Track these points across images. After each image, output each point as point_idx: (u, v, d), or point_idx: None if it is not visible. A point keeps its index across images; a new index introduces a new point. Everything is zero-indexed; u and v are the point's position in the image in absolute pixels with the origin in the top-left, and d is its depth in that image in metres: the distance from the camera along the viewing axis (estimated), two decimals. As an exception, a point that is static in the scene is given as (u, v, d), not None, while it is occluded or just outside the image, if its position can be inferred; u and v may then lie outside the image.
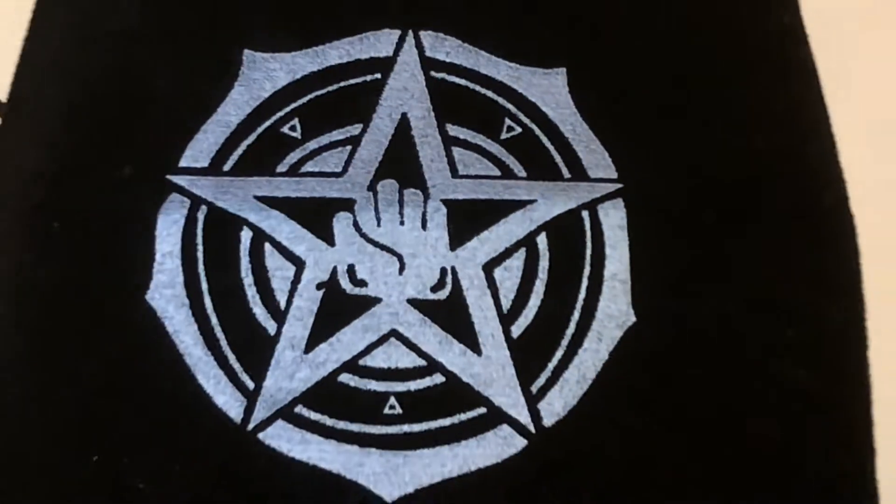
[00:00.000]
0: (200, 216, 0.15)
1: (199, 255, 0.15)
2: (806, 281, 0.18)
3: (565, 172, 0.15)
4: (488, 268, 0.15)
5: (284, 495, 0.14)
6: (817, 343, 0.18)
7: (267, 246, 0.15)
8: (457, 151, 0.16)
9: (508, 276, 0.15)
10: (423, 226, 0.15)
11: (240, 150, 0.15)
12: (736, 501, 0.16)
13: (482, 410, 0.14)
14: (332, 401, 0.14)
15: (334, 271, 0.15)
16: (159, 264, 0.14)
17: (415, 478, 0.14)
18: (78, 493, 0.15)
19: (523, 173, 0.15)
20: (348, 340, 0.15)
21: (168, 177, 0.14)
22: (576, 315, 0.15)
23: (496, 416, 0.14)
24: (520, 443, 0.14)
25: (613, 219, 0.15)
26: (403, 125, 0.16)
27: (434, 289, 0.15)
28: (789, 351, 0.18)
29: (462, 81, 0.15)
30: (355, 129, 0.16)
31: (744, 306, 0.16)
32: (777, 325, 0.17)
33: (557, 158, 0.15)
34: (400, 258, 0.15)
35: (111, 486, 0.14)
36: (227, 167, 0.15)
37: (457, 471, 0.14)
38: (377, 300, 0.15)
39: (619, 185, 0.15)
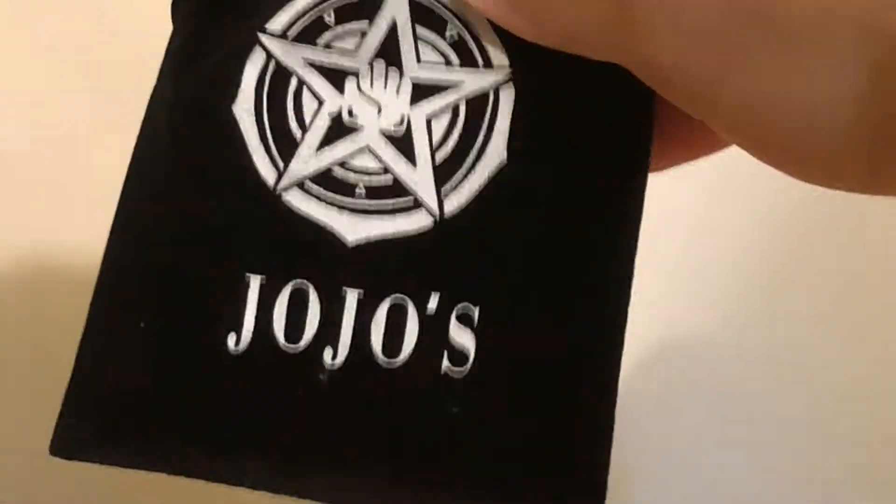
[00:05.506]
0: (270, 65, 0.24)
1: (265, 88, 0.23)
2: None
3: (481, 65, 0.23)
4: (428, 119, 0.24)
5: (288, 226, 0.23)
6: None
7: (304, 88, 0.24)
8: (421, 45, 0.24)
9: (439, 126, 0.23)
10: (397, 91, 0.24)
11: (298, 27, 0.24)
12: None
13: (411, 200, 0.23)
14: (326, 182, 0.22)
15: (340, 108, 0.24)
16: (241, 91, 0.23)
17: (366, 233, 0.22)
18: (184, 227, 0.22)
19: (457, 62, 0.24)
20: (341, 148, 0.23)
21: (258, 33, 0.22)
22: (474, 152, 0.23)
23: (418, 204, 0.23)
24: (429, 220, 0.22)
25: (507, 96, 0.23)
26: (392, 26, 0.24)
27: (395, 126, 0.24)
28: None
29: (427, 3, 0.22)
30: (364, 24, 0.24)
31: (581, 153, 0.20)
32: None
33: (477, 55, 0.24)
34: (379, 106, 0.24)
35: (202, 225, 0.22)
36: (289, 35, 0.24)
37: (391, 232, 0.23)
38: (362, 127, 0.24)
39: (511, 73, 0.22)
